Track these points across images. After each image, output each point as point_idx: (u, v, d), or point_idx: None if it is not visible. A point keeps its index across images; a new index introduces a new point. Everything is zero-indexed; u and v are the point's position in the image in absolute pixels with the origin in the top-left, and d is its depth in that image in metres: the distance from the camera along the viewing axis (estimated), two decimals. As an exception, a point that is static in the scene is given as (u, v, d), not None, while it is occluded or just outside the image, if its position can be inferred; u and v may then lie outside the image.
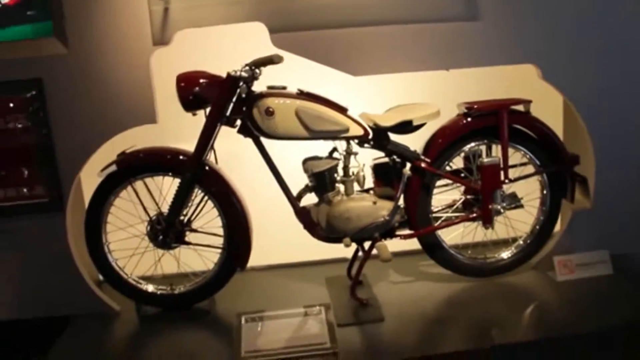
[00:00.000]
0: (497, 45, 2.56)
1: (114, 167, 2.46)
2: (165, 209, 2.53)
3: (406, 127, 2.43)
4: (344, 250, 3.02)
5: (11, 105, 2.44)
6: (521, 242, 2.72)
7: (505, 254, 2.71)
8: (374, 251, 2.56)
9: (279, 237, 2.91)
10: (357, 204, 2.50)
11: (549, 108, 2.78)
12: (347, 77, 2.56)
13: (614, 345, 2.32)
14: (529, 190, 2.72)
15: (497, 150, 2.62)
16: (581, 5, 2.55)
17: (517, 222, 2.73)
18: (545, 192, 2.66)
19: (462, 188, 2.67)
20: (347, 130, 2.44)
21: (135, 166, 2.50)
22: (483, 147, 2.63)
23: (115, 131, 2.51)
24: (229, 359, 2.26)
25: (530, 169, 2.66)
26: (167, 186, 2.60)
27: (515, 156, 2.65)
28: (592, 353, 2.31)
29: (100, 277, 2.79)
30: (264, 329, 2.36)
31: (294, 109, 2.38)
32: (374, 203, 2.51)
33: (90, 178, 2.58)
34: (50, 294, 2.62)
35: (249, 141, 2.49)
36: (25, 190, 2.51)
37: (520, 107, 2.59)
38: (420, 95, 2.75)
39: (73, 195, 2.55)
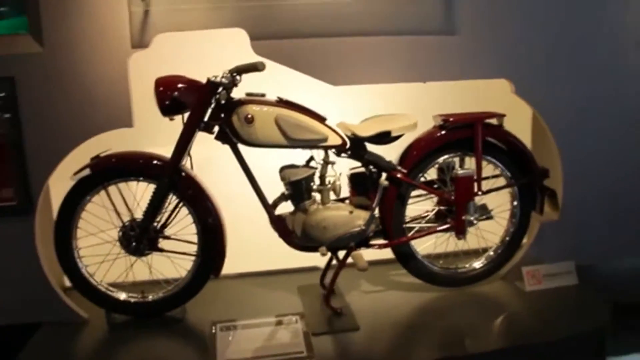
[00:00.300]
0: (472, 60, 2.63)
1: (87, 171, 2.40)
2: (137, 215, 2.49)
3: (384, 137, 2.47)
4: (315, 260, 3.05)
5: (-20, 104, 2.35)
6: (491, 252, 2.79)
7: (477, 264, 2.77)
8: (349, 260, 2.58)
9: (250, 245, 2.90)
10: (334, 213, 2.51)
11: (517, 122, 2.85)
12: (322, 87, 2.57)
13: (580, 352, 2.41)
14: (499, 202, 2.80)
15: (469, 162, 2.69)
16: (553, 24, 2.64)
17: (486, 233, 2.80)
18: (515, 203, 2.74)
19: (435, 199, 2.73)
20: (325, 139, 2.46)
21: (110, 170, 2.45)
22: (456, 159, 2.70)
23: (89, 134, 2.45)
24: (203, 368, 2.23)
25: (501, 181, 2.73)
26: (139, 192, 2.56)
27: (487, 168, 2.72)
28: (560, 358, 2.38)
29: (67, 284, 2.71)
30: (238, 338, 2.34)
31: (273, 116, 2.38)
32: (351, 212, 2.53)
33: (58, 182, 2.52)
34: (16, 300, 2.53)
35: (221, 148, 2.46)
36: (-8, 192, 2.42)
37: (494, 121, 2.67)
38: (395, 106, 2.79)
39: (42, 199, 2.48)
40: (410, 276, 2.82)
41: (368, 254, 2.64)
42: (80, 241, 2.52)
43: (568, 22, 2.65)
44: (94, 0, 2.35)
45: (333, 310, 2.58)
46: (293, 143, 2.42)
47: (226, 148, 2.48)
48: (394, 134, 2.47)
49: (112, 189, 2.48)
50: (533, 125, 2.96)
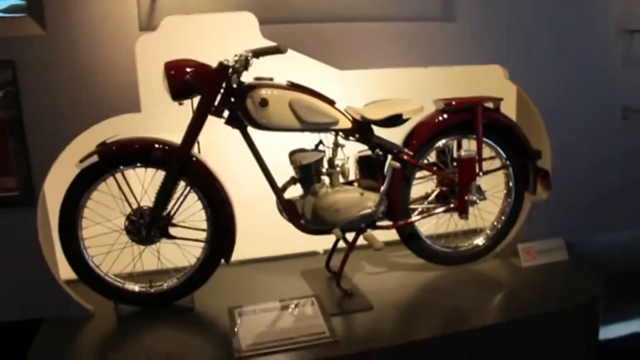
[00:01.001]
0: (470, 46, 2.74)
1: (95, 158, 2.33)
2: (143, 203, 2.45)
3: (395, 120, 2.53)
4: (314, 244, 3.11)
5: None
6: (489, 231, 2.92)
7: (479, 241, 2.89)
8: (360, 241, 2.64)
9: (248, 232, 2.88)
10: (346, 195, 2.55)
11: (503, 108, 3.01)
12: (319, 71, 2.60)
13: (576, 321, 2.57)
14: (492, 183, 2.93)
15: (467, 144, 2.80)
16: (544, 14, 2.79)
17: (479, 213, 2.92)
18: (511, 184, 2.87)
19: (436, 180, 2.82)
20: (336, 122, 2.49)
21: (118, 157, 2.38)
22: (454, 142, 2.80)
23: (95, 120, 2.37)
24: (226, 356, 2.22)
25: (496, 162, 2.86)
26: (139, 179, 2.51)
27: (484, 150, 2.84)
28: (558, 328, 2.53)
29: (68, 277, 2.61)
30: (258, 322, 2.34)
31: (287, 100, 2.39)
32: (361, 194, 2.58)
33: (55, 170, 2.43)
34: (18, 295, 2.42)
35: (221, 133, 2.46)
36: (-7, 182, 2.31)
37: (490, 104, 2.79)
38: (387, 92, 2.84)
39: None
40: (409, 257, 2.92)
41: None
42: (85, 231, 2.45)
43: (557, 13, 2.81)
44: (100, -19, 2.29)
45: (344, 291, 2.63)
46: (306, 126, 2.44)
47: (220, 133, 2.46)
48: (404, 117, 2.54)
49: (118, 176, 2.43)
50: (517, 110, 3.12)
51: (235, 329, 2.30)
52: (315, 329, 2.30)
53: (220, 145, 2.66)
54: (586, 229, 3.09)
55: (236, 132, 2.46)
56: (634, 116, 3.02)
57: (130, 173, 2.48)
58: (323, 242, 3.05)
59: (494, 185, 2.90)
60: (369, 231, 2.61)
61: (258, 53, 2.27)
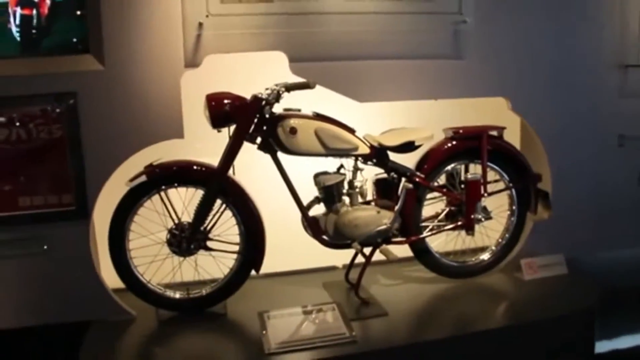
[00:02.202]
0: (477, 81, 3.05)
1: (143, 178, 2.64)
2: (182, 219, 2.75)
3: (408, 147, 2.83)
4: (333, 260, 3.39)
5: (47, 116, 2.56)
6: (493, 247, 3.18)
7: (485, 256, 3.16)
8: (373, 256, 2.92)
9: (274, 247, 3.15)
10: (364, 213, 2.84)
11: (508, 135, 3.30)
12: (337, 104, 2.90)
13: (573, 330, 2.82)
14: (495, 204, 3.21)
15: (473, 168, 3.08)
16: (543, 50, 3.11)
17: (487, 231, 3.20)
18: (514, 205, 3.14)
19: (445, 201, 3.11)
20: (356, 148, 2.79)
21: (164, 177, 2.69)
22: (462, 166, 3.09)
23: (144, 144, 2.69)
24: (257, 353, 2.49)
25: (500, 185, 3.14)
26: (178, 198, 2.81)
27: (489, 174, 3.12)
28: (556, 334, 2.78)
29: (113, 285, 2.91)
30: (287, 324, 2.61)
31: (314, 128, 2.70)
32: (378, 212, 2.86)
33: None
34: (70, 300, 2.72)
35: (250, 158, 2.75)
36: (55, 197, 2.62)
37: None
38: (397, 121, 3.11)
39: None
40: (419, 271, 3.19)
41: (380, 255, 2.92)
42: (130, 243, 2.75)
43: (556, 49, 3.12)
44: (151, 24, 2.62)
45: (362, 300, 2.90)
46: (329, 152, 2.75)
47: (249, 157, 2.76)
48: (417, 144, 2.84)
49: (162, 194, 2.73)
50: (521, 137, 3.41)
51: (266, 330, 2.57)
52: (336, 331, 2.57)
53: (248, 169, 2.96)
54: (585, 246, 3.35)
55: (262, 157, 2.75)
56: (629, 143, 3.30)
57: (171, 192, 2.79)
58: (342, 258, 3.33)
59: (499, 205, 3.18)
60: (384, 245, 2.89)
61: (290, 88, 2.59)
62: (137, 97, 2.66)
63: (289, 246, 3.14)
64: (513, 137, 3.35)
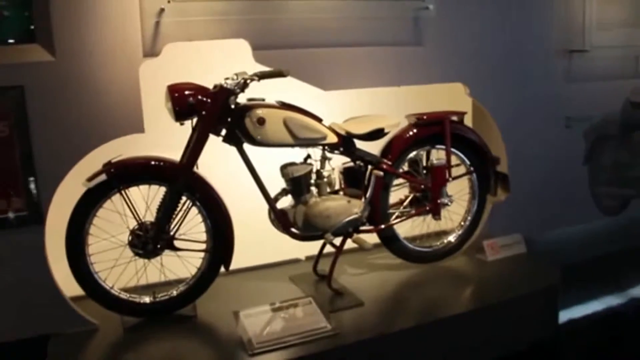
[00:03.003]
0: (436, 67, 3.09)
1: (103, 177, 2.46)
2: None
3: (377, 134, 2.81)
4: (296, 252, 3.33)
5: (-10, 113, 2.32)
6: (457, 231, 3.25)
7: (452, 238, 3.23)
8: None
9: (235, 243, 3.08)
10: (335, 203, 2.80)
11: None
12: (297, 92, 2.84)
13: (537, 306, 2.94)
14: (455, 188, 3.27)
15: (436, 154, 3.13)
16: (497, 38, 3.20)
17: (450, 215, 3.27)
18: (474, 188, 3.22)
19: (409, 187, 3.13)
20: (325, 137, 2.75)
21: (125, 175, 2.52)
22: (423, 152, 3.12)
23: (101, 141, 2.50)
24: (238, 354, 2.39)
25: (462, 169, 3.21)
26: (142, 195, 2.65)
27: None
28: (524, 311, 2.89)
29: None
30: (265, 322, 2.53)
31: (282, 118, 2.62)
32: (348, 202, 2.84)
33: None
34: (25, 313, 2.49)
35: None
36: (3, 202, 2.38)
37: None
38: (354, 109, 3.13)
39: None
40: (384, 258, 3.22)
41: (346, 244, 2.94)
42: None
43: (508, 36, 3.22)
44: (106, 11, 2.43)
45: (334, 291, 2.87)
46: (298, 142, 2.68)
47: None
48: (386, 131, 2.83)
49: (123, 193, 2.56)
50: (473, 121, 3.50)
51: (245, 330, 2.48)
52: (317, 324, 2.52)
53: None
54: (535, 225, 3.49)
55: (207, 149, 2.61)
56: (575, 125, 3.47)
57: (131, 190, 2.62)
58: (305, 250, 3.29)
59: (459, 190, 3.25)
60: (356, 235, 2.88)
61: (263, 76, 2.49)
62: (92, 90, 2.47)
63: (250, 241, 3.05)
64: (466, 121, 3.43)
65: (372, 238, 3.01)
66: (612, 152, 3.75)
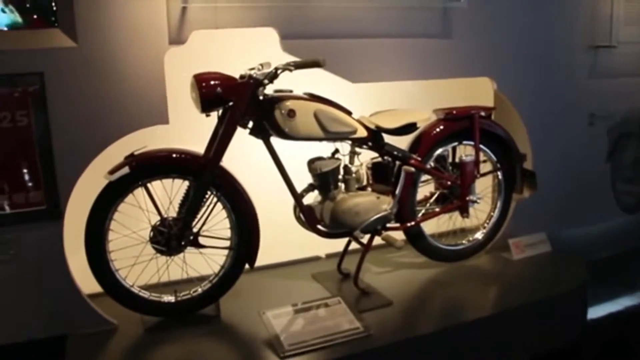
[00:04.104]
0: (464, 61, 2.99)
1: (126, 169, 2.34)
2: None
3: (409, 129, 2.72)
4: (316, 250, 3.24)
5: (9, 101, 2.18)
6: (484, 228, 3.17)
7: (479, 235, 3.14)
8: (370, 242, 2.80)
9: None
10: (364, 199, 2.70)
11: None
12: (319, 84, 2.72)
13: (568, 305, 2.87)
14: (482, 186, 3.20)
15: (463, 150, 3.04)
16: (526, 32, 3.11)
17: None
18: (501, 185, 3.14)
19: (435, 184, 3.04)
20: (355, 131, 2.64)
21: (149, 168, 2.40)
22: (450, 148, 3.04)
23: (123, 132, 2.38)
24: (268, 356, 2.28)
25: (488, 166, 3.13)
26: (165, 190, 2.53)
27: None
28: (553, 311, 2.81)
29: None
30: (295, 322, 2.43)
31: (313, 110, 2.51)
32: (377, 198, 2.74)
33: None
34: (43, 312, 2.37)
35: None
36: (21, 196, 2.25)
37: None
38: (374, 102, 3.02)
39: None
40: (406, 257, 3.14)
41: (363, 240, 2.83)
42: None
43: (536, 31, 3.15)
44: (131, -5, 2.31)
45: (361, 290, 2.77)
46: (328, 135, 2.57)
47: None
48: (418, 125, 2.74)
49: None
50: (495, 117, 3.42)
51: (275, 330, 2.38)
52: (349, 325, 2.43)
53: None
54: (559, 223, 3.42)
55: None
56: (598, 122, 3.40)
57: (162, 184, 2.49)
58: (325, 247, 3.19)
59: (484, 188, 3.17)
60: (385, 232, 2.78)
61: (299, 66, 2.37)
62: (114, 78, 2.34)
63: (271, 237, 2.93)
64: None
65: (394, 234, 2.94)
66: (635, 149, 3.69)
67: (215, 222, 2.55)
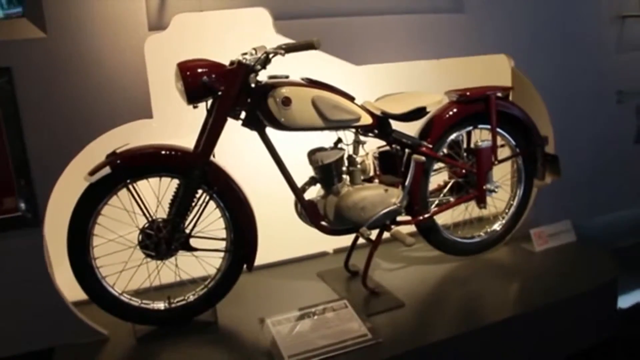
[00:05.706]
0: (478, 37, 2.73)
1: (107, 169, 2.14)
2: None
3: (418, 114, 2.48)
4: (323, 245, 3.03)
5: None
6: (503, 218, 2.93)
7: (497, 227, 2.91)
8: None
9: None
10: (371, 192, 2.48)
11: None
12: (319, 67, 2.51)
13: (598, 299, 2.63)
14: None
15: (479, 134, 2.79)
16: (545, 3, 2.82)
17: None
18: (521, 171, 2.89)
19: (449, 172, 2.80)
20: (359, 119, 2.41)
21: (133, 167, 2.20)
22: (464, 133, 2.79)
23: (103, 129, 2.18)
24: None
25: (506, 151, 2.88)
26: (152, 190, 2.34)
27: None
28: (583, 307, 2.58)
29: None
30: (296, 331, 2.23)
31: (310, 98, 2.28)
32: (385, 191, 2.51)
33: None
34: (27, 324, 2.21)
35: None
36: (-7, 203, 2.07)
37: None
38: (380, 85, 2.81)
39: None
40: (418, 251, 2.93)
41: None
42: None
43: (554, 3, 2.85)
44: (104, -22, 2.09)
45: (370, 291, 2.56)
46: (329, 124, 2.35)
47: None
48: (428, 109, 2.50)
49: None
50: (512, 97, 3.15)
51: (274, 339, 2.18)
52: (356, 332, 2.22)
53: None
54: (584, 210, 3.16)
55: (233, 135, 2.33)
56: (627, 99, 3.12)
57: (149, 183, 2.30)
58: (333, 242, 2.98)
59: (503, 175, 2.92)
60: (395, 228, 2.57)
61: (289, 49, 2.14)
62: (91, 71, 2.13)
63: (272, 234, 2.73)
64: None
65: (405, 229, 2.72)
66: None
67: (211, 222, 2.36)
